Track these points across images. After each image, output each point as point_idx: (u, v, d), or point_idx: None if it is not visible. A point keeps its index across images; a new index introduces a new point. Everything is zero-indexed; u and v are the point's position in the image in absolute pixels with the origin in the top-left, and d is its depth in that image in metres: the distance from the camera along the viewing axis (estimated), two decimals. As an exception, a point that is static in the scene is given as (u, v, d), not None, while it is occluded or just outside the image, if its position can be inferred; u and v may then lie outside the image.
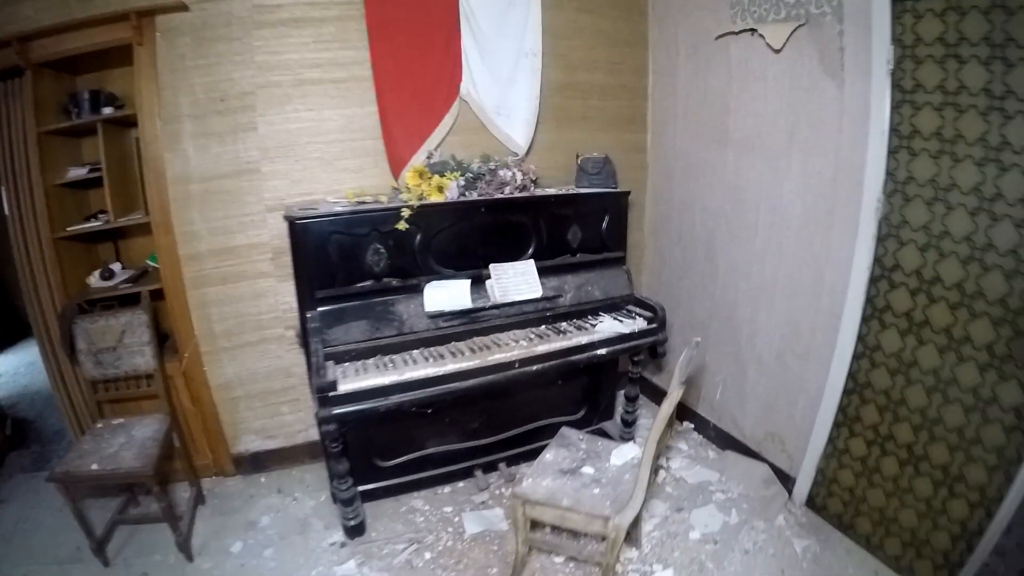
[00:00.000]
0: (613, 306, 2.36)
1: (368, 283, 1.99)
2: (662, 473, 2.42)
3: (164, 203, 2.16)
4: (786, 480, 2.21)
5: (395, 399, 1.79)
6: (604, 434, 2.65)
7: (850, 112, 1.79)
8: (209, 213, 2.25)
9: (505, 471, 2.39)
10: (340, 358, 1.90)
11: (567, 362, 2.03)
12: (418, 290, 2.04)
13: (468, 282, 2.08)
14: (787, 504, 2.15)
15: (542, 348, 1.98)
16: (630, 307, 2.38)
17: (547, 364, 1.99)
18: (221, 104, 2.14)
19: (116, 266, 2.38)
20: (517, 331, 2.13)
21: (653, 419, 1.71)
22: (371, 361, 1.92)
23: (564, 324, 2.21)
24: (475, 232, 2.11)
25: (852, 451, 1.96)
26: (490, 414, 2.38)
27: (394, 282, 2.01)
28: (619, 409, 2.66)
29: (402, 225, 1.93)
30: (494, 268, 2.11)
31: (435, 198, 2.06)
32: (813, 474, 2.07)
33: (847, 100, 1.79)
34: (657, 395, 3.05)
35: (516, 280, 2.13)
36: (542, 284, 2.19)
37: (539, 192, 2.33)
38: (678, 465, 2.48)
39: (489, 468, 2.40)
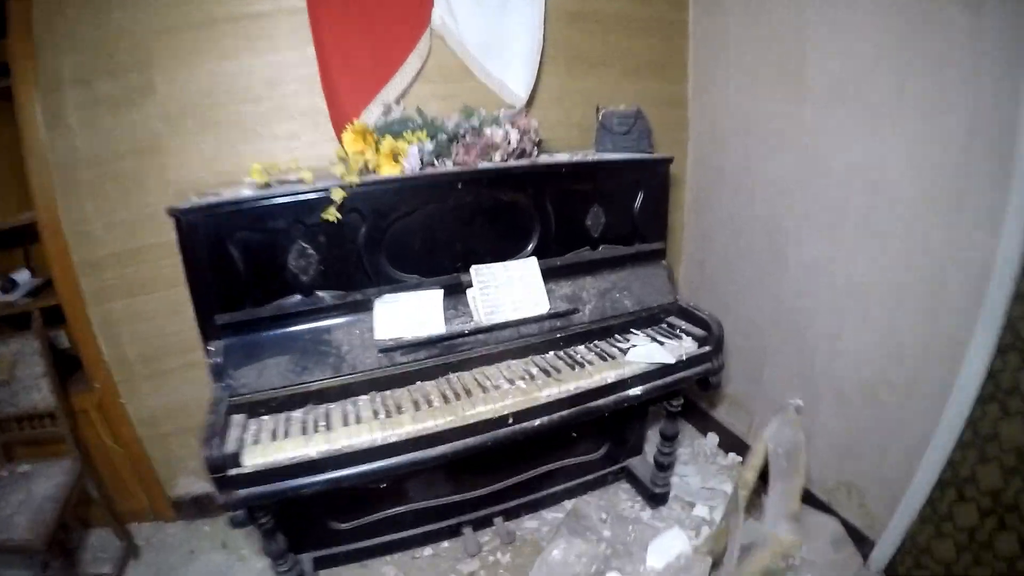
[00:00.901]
0: (650, 319, 1.66)
1: (292, 300, 1.33)
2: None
3: (49, 196, 1.58)
4: (862, 542, 1.62)
5: (328, 477, 1.16)
6: (632, 477, 2.02)
7: (992, 51, 1.16)
8: (105, 206, 1.63)
9: (502, 528, 1.75)
10: (254, 410, 1.27)
11: (585, 410, 1.35)
12: (365, 308, 1.37)
13: (439, 294, 1.40)
14: (861, 572, 1.59)
15: (549, 392, 1.31)
16: (672, 320, 1.68)
17: (556, 416, 1.32)
18: (111, 61, 1.51)
19: (22, 275, 1.83)
20: (514, 362, 1.45)
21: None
22: (297, 414, 1.28)
23: (582, 349, 1.52)
24: (449, 220, 1.42)
25: (958, 518, 1.40)
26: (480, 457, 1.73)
27: (329, 298, 1.34)
28: (649, 437, 1.95)
29: (332, 214, 1.26)
30: (478, 272, 1.43)
31: (388, 170, 1.37)
32: (899, 540, 1.53)
33: (987, 33, 1.15)
34: (699, 418, 2.36)
35: (511, 288, 1.44)
36: (550, 292, 1.50)
37: (545, 159, 1.63)
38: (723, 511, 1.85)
39: (482, 524, 1.78)
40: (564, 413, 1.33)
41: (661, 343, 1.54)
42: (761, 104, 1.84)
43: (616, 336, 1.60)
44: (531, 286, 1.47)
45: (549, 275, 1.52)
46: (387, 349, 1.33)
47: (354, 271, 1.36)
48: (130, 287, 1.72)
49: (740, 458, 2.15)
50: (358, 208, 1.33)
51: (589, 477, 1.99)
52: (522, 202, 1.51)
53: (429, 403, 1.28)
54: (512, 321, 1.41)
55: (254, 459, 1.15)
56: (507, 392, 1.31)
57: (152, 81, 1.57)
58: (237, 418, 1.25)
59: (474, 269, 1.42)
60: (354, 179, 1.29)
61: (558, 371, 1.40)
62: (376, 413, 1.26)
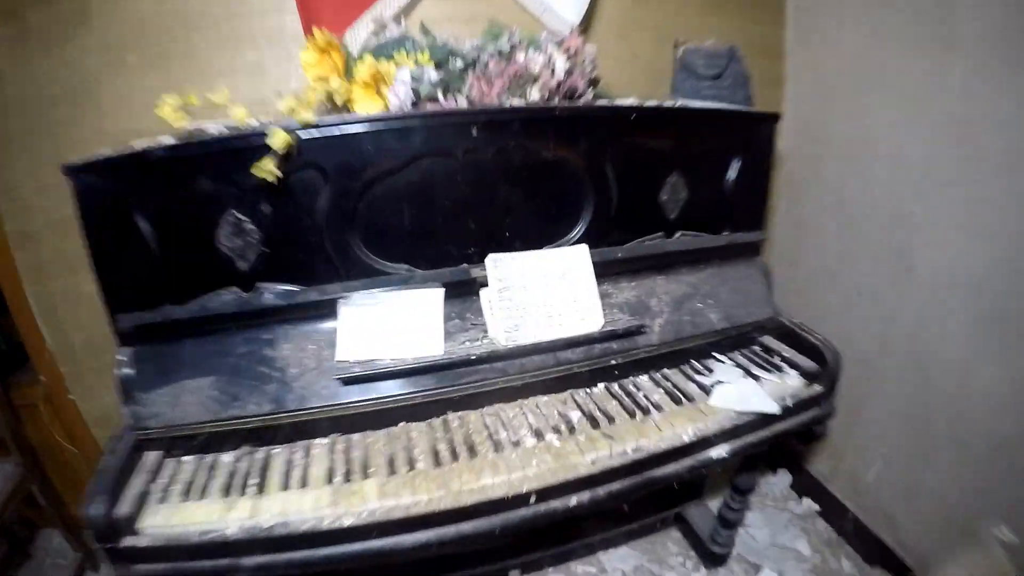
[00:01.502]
0: (739, 340, 1.14)
1: (224, 297, 0.89)
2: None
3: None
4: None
5: (255, 563, 0.75)
6: (685, 525, 1.53)
7: None
8: (36, 164, 1.30)
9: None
10: (173, 446, 0.88)
11: (647, 482, 0.87)
12: (327, 312, 0.91)
13: (438, 296, 0.92)
14: None
15: (596, 456, 0.84)
16: (768, 342, 1.16)
17: (602, 492, 0.84)
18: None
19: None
20: (544, 400, 0.97)
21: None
22: (227, 458, 0.87)
23: (645, 383, 1.03)
24: (457, 183, 0.93)
25: None
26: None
27: (273, 296, 0.89)
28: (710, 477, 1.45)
29: (267, 171, 0.79)
30: (497, 264, 0.94)
31: (365, 106, 0.90)
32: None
33: None
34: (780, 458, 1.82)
35: (547, 291, 0.95)
36: (605, 298, 0.99)
37: (603, 103, 1.10)
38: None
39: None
40: (615, 488, 0.84)
41: (756, 378, 1.03)
42: (888, 56, 1.30)
43: (693, 363, 1.09)
44: (578, 288, 0.96)
45: (605, 272, 1.01)
46: (353, 380, 0.86)
47: (312, 257, 0.90)
48: (70, 264, 1.35)
49: (817, 506, 1.65)
50: (317, 163, 0.86)
51: (633, 525, 1.53)
52: (570, 162, 0.99)
53: (411, 463, 0.83)
54: (545, 343, 0.91)
55: (155, 525, 0.78)
56: (531, 453, 0.83)
57: (87, 7, 1.19)
58: (150, 458, 0.86)
59: (491, 260, 0.93)
60: (308, 117, 0.82)
61: (610, 419, 0.91)
62: (331, 472, 0.82)
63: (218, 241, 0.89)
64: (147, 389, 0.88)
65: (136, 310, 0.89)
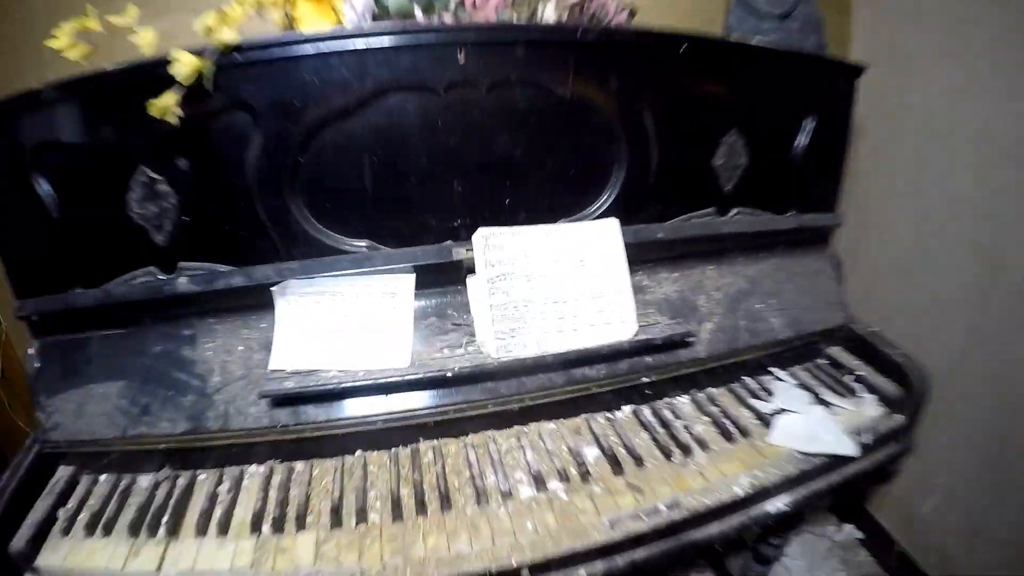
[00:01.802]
0: (803, 352, 0.88)
1: (141, 279, 0.67)
2: None
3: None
4: None
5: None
6: (712, 557, 1.29)
7: None
8: None
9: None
10: (89, 461, 0.69)
11: (683, 546, 0.61)
12: (260, 302, 0.67)
13: (408, 283, 0.68)
14: None
15: (614, 517, 0.58)
16: (836, 355, 0.89)
17: (619, 561, 0.58)
18: None
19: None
20: (550, 428, 0.71)
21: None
22: (145, 481, 0.67)
23: (685, 407, 0.76)
24: (438, 129, 0.67)
25: None
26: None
27: (186, 280, 0.66)
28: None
29: (168, 109, 0.56)
30: (490, 242, 0.66)
31: (313, 22, 0.65)
32: None
33: None
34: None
35: (560, 281, 0.68)
36: (639, 292, 0.72)
37: (644, 29, 0.80)
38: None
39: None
40: (640, 556, 0.59)
41: (826, 404, 0.77)
42: (980, 12, 0.97)
43: (746, 382, 0.82)
44: (602, 279, 0.69)
45: (639, 258, 0.75)
46: (285, 399, 0.62)
47: (242, 229, 0.66)
48: None
49: (860, 533, 1.39)
50: (244, 100, 0.62)
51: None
52: (596, 105, 0.72)
53: (362, 512, 0.59)
54: (554, 357, 0.65)
55: (52, 567, 0.61)
56: (527, 509, 0.59)
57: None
58: (63, 474, 0.68)
59: (482, 236, 0.66)
60: (228, 37, 0.57)
61: (638, 461, 0.66)
62: (260, 517, 0.60)
63: (129, 207, 0.68)
64: (50, 393, 0.69)
65: (43, 293, 0.70)
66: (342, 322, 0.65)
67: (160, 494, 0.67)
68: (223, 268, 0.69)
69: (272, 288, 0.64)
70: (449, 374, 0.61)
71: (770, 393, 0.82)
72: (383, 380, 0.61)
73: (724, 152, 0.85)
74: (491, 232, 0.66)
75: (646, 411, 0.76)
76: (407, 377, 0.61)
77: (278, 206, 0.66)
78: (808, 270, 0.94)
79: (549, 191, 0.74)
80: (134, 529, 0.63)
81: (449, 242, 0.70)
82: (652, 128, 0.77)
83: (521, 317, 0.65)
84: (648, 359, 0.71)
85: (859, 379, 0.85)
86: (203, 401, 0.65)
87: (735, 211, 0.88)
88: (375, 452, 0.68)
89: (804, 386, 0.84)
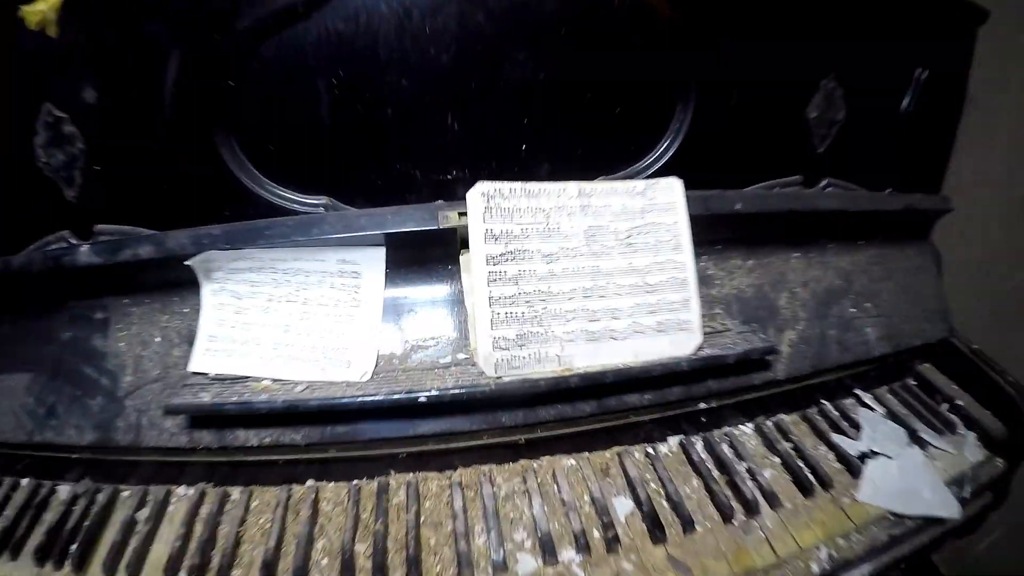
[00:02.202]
0: (891, 371, 0.65)
1: (50, 248, 0.49)
2: None
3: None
4: None
5: None
6: None
7: None
8: None
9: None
10: (6, 463, 0.52)
11: None
12: (182, 279, 0.47)
13: (378, 260, 0.46)
14: None
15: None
16: (925, 371, 0.66)
17: None
18: None
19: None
20: (568, 462, 0.50)
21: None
22: (65, 492, 0.50)
23: (748, 438, 0.55)
24: (424, 43, 0.45)
25: None
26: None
27: (88, 251, 0.46)
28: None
29: (47, 17, 0.37)
30: (493, 203, 0.44)
31: None
32: None
33: None
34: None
35: (589, 266, 0.45)
36: (703, 287, 0.49)
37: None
38: None
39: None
40: None
41: (923, 444, 0.56)
42: None
43: (826, 408, 0.61)
44: (659, 266, 0.46)
45: (706, 234, 0.52)
46: (199, 416, 0.44)
47: (162, 180, 0.47)
48: None
49: (903, 566, 1.14)
50: (156, 3, 0.42)
51: None
52: (657, 11, 0.48)
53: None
54: (583, 378, 0.43)
55: None
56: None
57: None
58: None
59: (481, 192, 0.44)
60: None
61: (686, 523, 0.45)
62: (176, 562, 0.43)
63: (37, 156, 0.53)
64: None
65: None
66: (284, 313, 0.46)
67: (76, 511, 0.52)
68: (144, 232, 0.53)
69: (191, 262, 0.45)
70: (423, 398, 0.40)
71: (855, 426, 0.61)
72: (330, 401, 0.42)
73: (820, 102, 0.62)
74: (496, 189, 0.44)
75: (698, 446, 0.54)
76: (363, 399, 0.41)
77: (204, 149, 0.46)
78: (909, 266, 0.70)
79: (584, 135, 0.52)
80: (41, 556, 0.49)
81: (439, 202, 0.49)
82: (733, 55, 0.55)
83: (535, 317, 0.43)
84: (712, 384, 0.49)
85: (955, 408, 0.64)
86: (113, 406, 0.47)
87: (825, 182, 0.66)
88: (331, 484, 0.49)
89: (895, 416, 0.62)
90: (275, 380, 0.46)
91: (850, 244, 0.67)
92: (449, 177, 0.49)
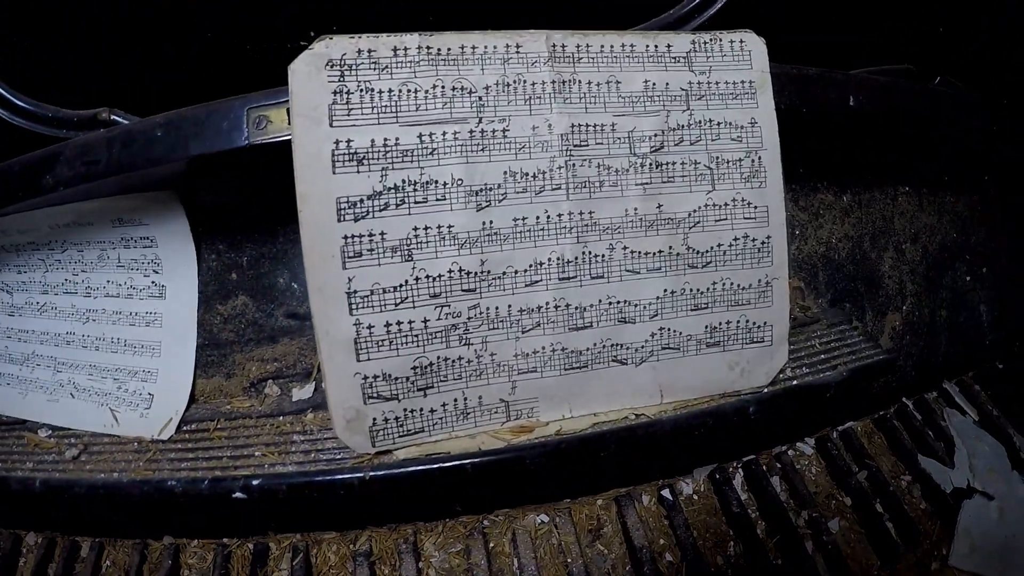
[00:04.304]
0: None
1: None
2: None
3: None
4: None
5: None
6: None
7: None
8: None
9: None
10: None
11: None
12: None
13: (174, 211, 0.21)
14: None
15: None
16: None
17: None
18: None
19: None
20: (552, 514, 0.24)
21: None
22: None
23: (805, 458, 0.28)
24: None
25: None
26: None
27: None
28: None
29: None
30: (351, 75, 0.17)
31: None
32: None
33: None
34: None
35: (580, 232, 0.17)
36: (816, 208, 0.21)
37: None
38: None
39: None
40: None
41: None
42: None
43: (906, 406, 0.33)
44: (709, 204, 0.19)
45: (787, 141, 0.21)
46: None
47: None
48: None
49: None
50: None
51: None
52: None
53: None
54: (556, 452, 0.19)
55: None
56: None
57: None
58: None
59: (329, 53, 0.16)
60: None
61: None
62: None
63: None
64: None
65: None
66: (64, 313, 0.24)
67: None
68: None
69: None
70: (238, 493, 0.17)
71: (942, 437, 0.37)
72: (101, 484, 0.20)
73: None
74: (360, 48, 0.16)
75: (737, 480, 0.32)
76: (146, 483, 0.19)
77: None
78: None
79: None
80: None
81: (254, 94, 0.19)
82: None
83: (454, 329, 0.17)
84: (786, 423, 0.26)
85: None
86: None
87: (939, 79, 0.38)
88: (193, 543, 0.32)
89: (989, 422, 0.39)
90: (53, 431, 0.24)
91: (968, 177, 0.41)
92: (303, 44, 0.23)
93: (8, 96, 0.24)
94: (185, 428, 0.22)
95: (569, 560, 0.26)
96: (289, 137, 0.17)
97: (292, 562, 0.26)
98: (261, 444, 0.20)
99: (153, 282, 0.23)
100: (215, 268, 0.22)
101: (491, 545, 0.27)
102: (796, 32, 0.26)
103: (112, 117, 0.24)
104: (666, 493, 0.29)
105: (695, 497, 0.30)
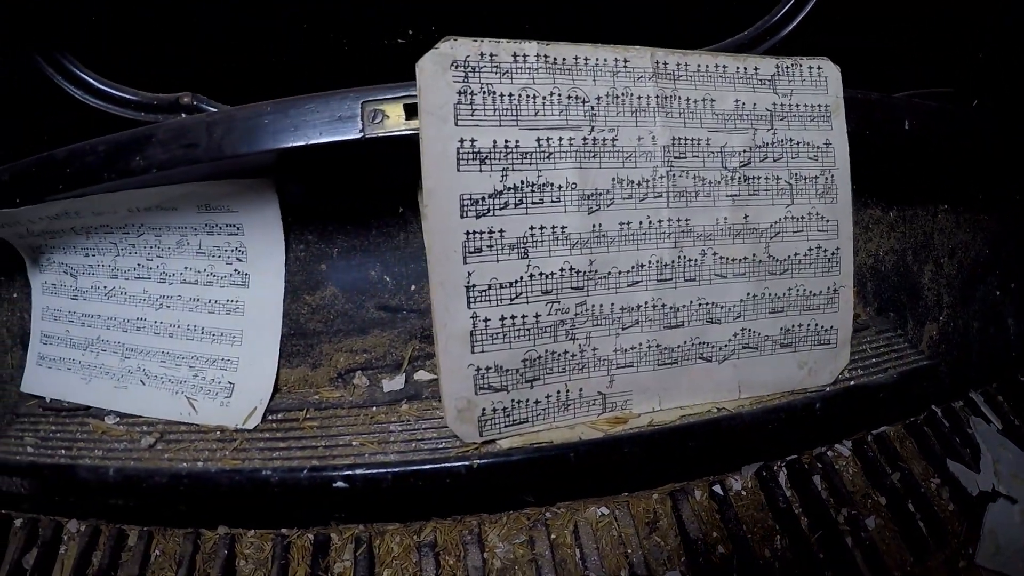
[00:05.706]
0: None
1: None
2: None
3: None
4: None
5: None
6: None
7: None
8: None
9: None
10: None
11: None
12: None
13: (268, 201, 0.23)
14: None
15: None
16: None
17: None
18: None
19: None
20: (613, 507, 0.25)
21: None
22: None
23: (841, 460, 0.30)
24: None
25: None
26: None
27: None
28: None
29: None
30: (474, 77, 0.17)
31: None
32: None
33: None
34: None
35: (678, 238, 0.19)
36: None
37: None
38: None
39: None
40: None
41: None
42: None
43: (934, 412, 0.35)
44: (788, 216, 0.20)
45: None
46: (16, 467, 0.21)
47: None
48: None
49: None
50: None
51: None
52: None
53: None
54: (649, 442, 0.22)
55: None
56: None
57: None
58: None
59: (454, 54, 0.18)
60: None
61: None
62: None
63: None
64: None
65: None
66: (134, 299, 0.24)
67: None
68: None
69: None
70: (339, 483, 0.19)
71: (969, 444, 0.40)
72: (183, 474, 0.21)
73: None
74: (483, 52, 0.18)
75: (782, 477, 0.34)
76: (234, 472, 0.20)
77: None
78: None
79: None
80: None
81: (370, 88, 0.20)
82: None
83: (562, 325, 0.19)
84: (842, 421, 0.28)
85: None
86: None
87: (977, 102, 0.41)
88: (251, 533, 0.34)
89: (1012, 430, 0.42)
90: (122, 418, 0.24)
91: (1001, 196, 0.43)
92: (400, 42, 0.24)
93: (86, 77, 0.25)
94: (271, 417, 0.23)
95: (629, 551, 0.28)
96: (407, 132, 0.18)
97: (356, 553, 0.28)
98: (357, 434, 0.21)
99: (236, 270, 0.24)
100: (303, 258, 0.23)
101: (553, 536, 0.28)
102: (846, 56, 0.28)
103: (195, 102, 0.24)
104: (717, 488, 0.31)
105: (743, 493, 0.33)
